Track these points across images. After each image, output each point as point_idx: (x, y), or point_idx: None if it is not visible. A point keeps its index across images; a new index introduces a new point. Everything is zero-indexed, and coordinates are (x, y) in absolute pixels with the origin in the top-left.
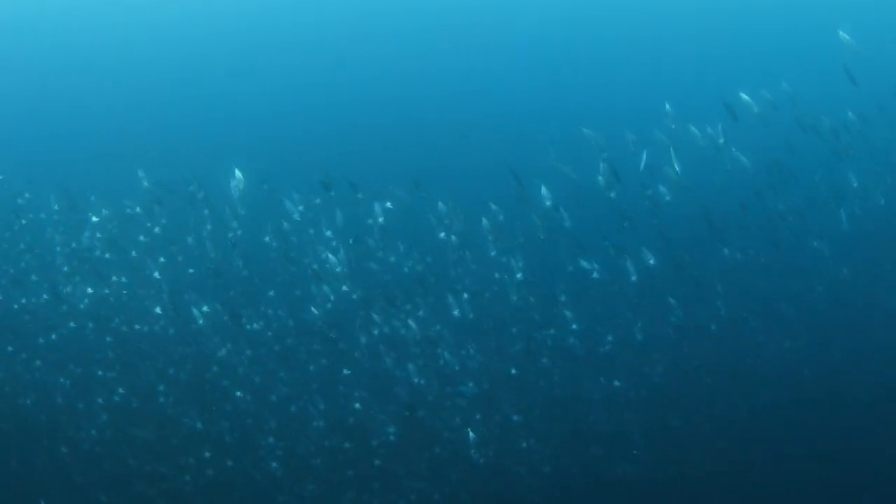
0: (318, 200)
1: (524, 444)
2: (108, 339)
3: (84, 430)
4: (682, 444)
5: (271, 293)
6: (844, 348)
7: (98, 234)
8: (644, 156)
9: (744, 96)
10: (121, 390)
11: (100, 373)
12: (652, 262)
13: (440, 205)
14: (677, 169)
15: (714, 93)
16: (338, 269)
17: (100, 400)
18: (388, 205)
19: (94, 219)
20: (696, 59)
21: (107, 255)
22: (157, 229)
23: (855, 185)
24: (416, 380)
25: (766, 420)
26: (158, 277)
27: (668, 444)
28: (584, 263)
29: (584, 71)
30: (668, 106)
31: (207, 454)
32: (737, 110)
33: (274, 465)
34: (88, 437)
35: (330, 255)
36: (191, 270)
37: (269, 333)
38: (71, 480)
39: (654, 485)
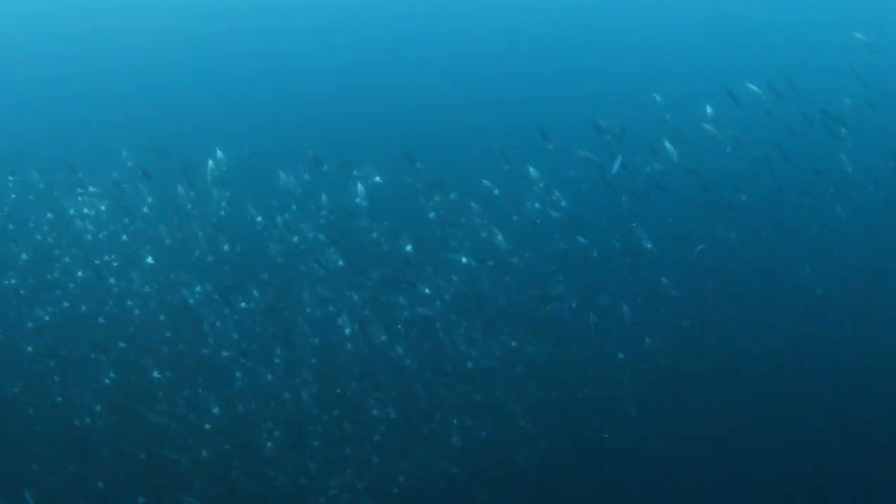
0: (307, 176)
1: (522, 422)
2: (101, 320)
3: (79, 417)
4: (681, 422)
5: (265, 275)
6: (842, 329)
7: (86, 211)
8: (619, 159)
9: (747, 83)
10: (112, 374)
11: (92, 356)
12: (649, 243)
13: (433, 182)
14: (675, 152)
15: (717, 79)
16: (331, 250)
17: (93, 385)
18: (378, 179)
19: (85, 192)
20: (699, 45)
21: (100, 236)
22: (145, 209)
23: (851, 169)
24: (408, 360)
25: (763, 401)
26: (149, 258)
27: (668, 421)
28: (582, 240)
29: (584, 52)
30: (670, 90)
31: (203, 436)
32: (740, 96)
33: (269, 444)
34: (83, 423)
35: (319, 234)
36: (179, 238)
37: (259, 316)
38: (65, 469)
39: (654, 461)
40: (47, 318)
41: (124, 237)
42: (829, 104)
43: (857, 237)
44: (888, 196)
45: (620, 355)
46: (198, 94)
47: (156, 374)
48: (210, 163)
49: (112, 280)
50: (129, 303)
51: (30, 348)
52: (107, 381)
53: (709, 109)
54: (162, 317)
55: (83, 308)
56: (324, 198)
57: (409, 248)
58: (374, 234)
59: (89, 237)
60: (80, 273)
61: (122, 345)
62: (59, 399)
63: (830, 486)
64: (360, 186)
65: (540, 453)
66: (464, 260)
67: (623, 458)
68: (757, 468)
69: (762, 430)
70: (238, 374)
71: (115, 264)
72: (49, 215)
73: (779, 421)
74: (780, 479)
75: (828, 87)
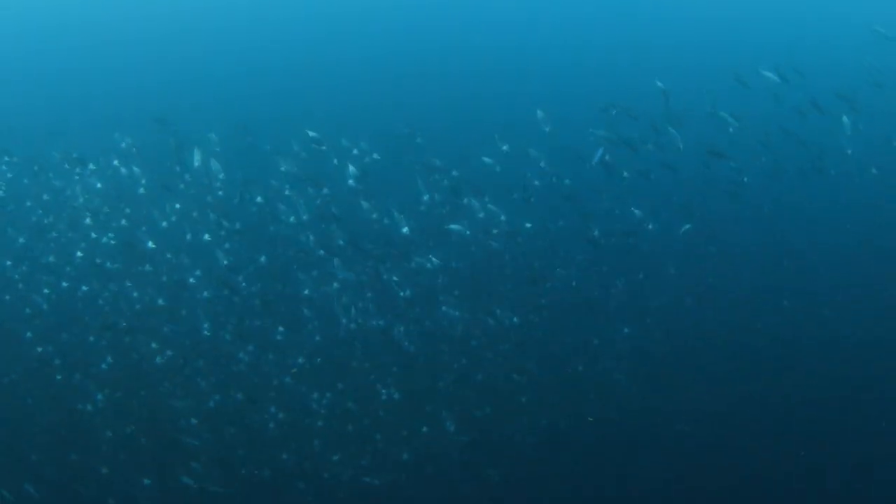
0: (303, 155)
1: (523, 399)
2: (99, 302)
3: (80, 402)
4: (682, 397)
5: (263, 255)
6: (843, 306)
7: (80, 198)
8: (600, 151)
9: (751, 62)
10: (109, 358)
11: (91, 339)
12: (650, 223)
13: (432, 159)
14: (678, 131)
15: (723, 58)
16: (331, 227)
17: (93, 369)
18: (376, 156)
19: (85, 170)
20: (706, 23)
21: (100, 217)
22: (141, 190)
23: (852, 151)
24: (409, 337)
25: (764, 377)
26: (147, 240)
27: (669, 397)
28: (583, 217)
29: (590, 30)
30: (675, 70)
31: (206, 418)
32: (745, 77)
33: (271, 425)
34: (84, 409)
35: (318, 212)
36: (175, 219)
37: (258, 301)
38: (67, 457)
39: (654, 437)
40: (45, 306)
41: (123, 221)
42: (833, 85)
43: (858, 215)
44: (890, 175)
45: (626, 330)
46: (194, 69)
47: (157, 358)
48: (207, 141)
49: (109, 264)
50: (128, 283)
51: (29, 333)
52: (104, 366)
53: (714, 89)
54: (160, 299)
55: (83, 289)
56: (322, 175)
57: (405, 229)
58: (374, 214)
59: (88, 220)
60: (79, 254)
61: (123, 324)
62: (59, 377)
63: (829, 462)
64: (358, 163)
65: (541, 430)
66: (468, 233)
67: (624, 435)
68: (757, 442)
69: (762, 406)
70: (241, 354)
71: (112, 243)
72: (45, 197)
73: (778, 396)
74: (780, 454)
75: (832, 67)
